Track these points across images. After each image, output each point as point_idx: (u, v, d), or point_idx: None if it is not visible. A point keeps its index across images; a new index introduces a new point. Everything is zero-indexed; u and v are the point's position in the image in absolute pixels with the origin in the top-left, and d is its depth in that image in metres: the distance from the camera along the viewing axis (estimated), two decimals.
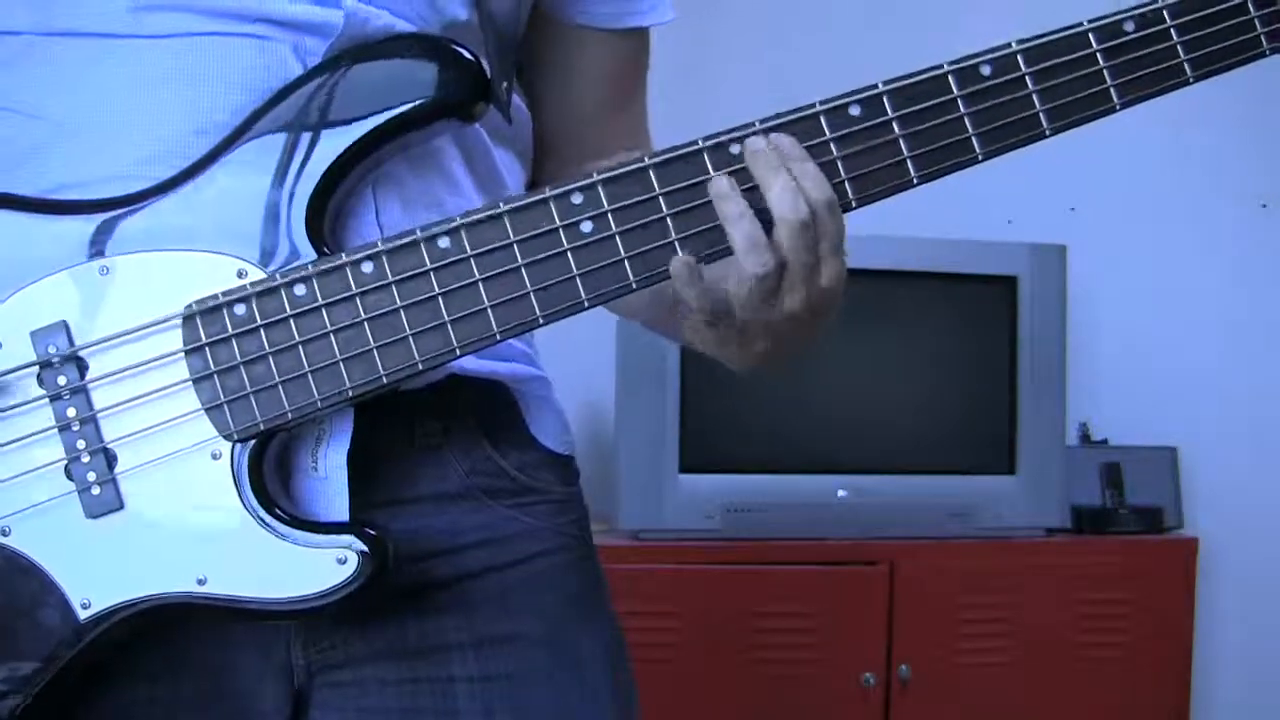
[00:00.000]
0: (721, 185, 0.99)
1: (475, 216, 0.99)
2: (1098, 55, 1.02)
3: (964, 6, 3.24)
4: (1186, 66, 1.03)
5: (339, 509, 1.02)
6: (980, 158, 1.03)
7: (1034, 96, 1.02)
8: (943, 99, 1.01)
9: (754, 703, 2.77)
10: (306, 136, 1.00)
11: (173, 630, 1.03)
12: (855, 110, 1.01)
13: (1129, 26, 1.02)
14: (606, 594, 1.21)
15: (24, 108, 1.04)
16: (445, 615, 1.10)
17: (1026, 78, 1.01)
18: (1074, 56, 1.02)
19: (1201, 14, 1.02)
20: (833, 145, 1.01)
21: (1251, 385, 3.40)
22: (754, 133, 1.00)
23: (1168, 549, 3.04)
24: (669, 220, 1.00)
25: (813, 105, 1.01)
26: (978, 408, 2.99)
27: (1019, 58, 1.02)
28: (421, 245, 0.99)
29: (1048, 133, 1.03)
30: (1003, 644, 2.88)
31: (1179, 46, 1.02)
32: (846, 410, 2.95)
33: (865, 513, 2.87)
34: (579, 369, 2.64)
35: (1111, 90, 1.03)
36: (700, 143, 1.01)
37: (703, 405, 2.84)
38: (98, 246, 1.00)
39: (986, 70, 1.01)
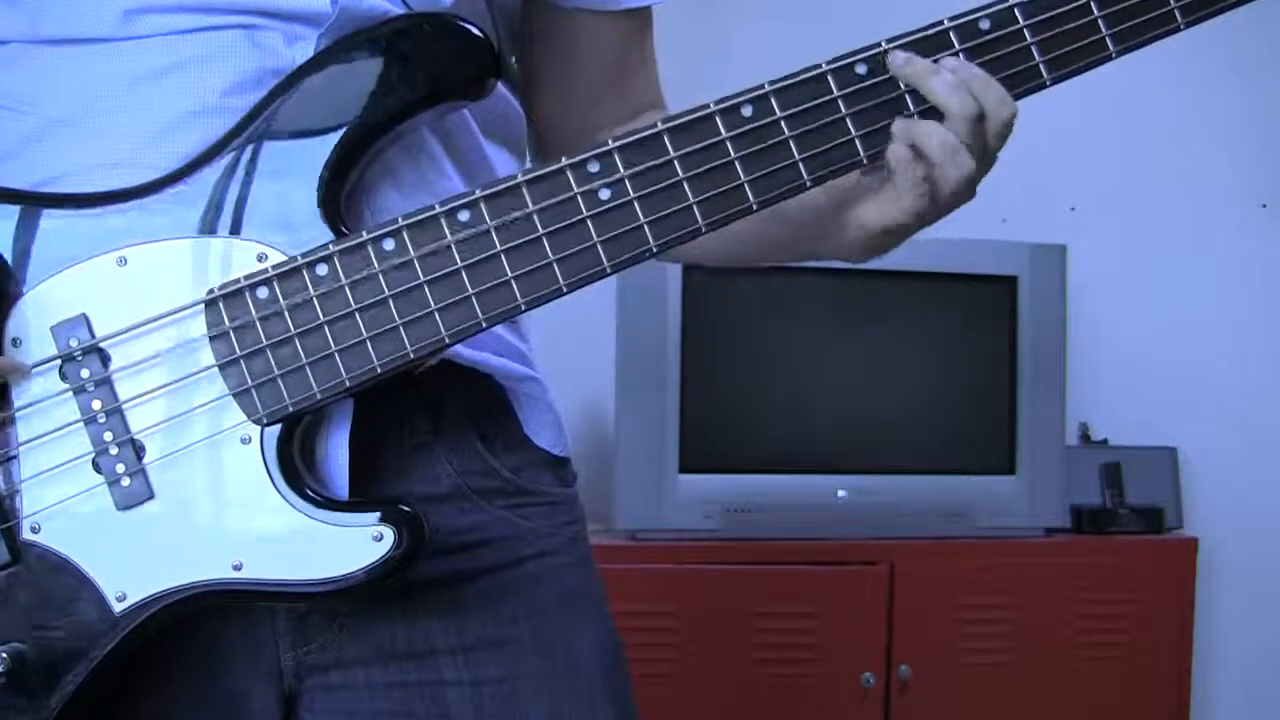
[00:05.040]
0: (900, 55, 1.02)
1: (494, 188, 1.00)
2: (1092, 5, 1.03)
3: None
4: (1178, 13, 1.04)
5: (340, 492, 1.02)
6: None
7: (1033, 48, 1.03)
8: (946, 55, 1.03)
9: (754, 703, 2.77)
10: (318, 122, 0.99)
11: (171, 630, 1.02)
12: (862, 69, 1.02)
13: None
14: (603, 596, 1.20)
15: (11, 103, 1.04)
16: (435, 617, 1.10)
17: (1024, 30, 1.03)
18: (1069, 8, 1.03)
19: None
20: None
21: (1251, 385, 3.40)
22: (757, 95, 1.02)
23: (1168, 549, 3.03)
24: (685, 184, 1.01)
25: (819, 65, 1.03)
26: (978, 408, 2.99)
27: (1016, 11, 1.03)
28: (441, 219, 0.99)
29: (1048, 83, 1.04)
30: (1003, 644, 2.88)
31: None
32: (846, 410, 2.95)
33: (865, 513, 2.87)
34: (579, 369, 2.64)
35: (1107, 39, 1.03)
36: (712, 106, 1.01)
37: (703, 405, 2.83)
38: (113, 237, 0.99)
39: (985, 25, 1.03)
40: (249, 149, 1.00)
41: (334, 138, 0.99)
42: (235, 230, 0.99)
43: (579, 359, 2.73)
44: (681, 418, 2.81)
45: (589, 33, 1.23)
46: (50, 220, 1.00)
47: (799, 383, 2.92)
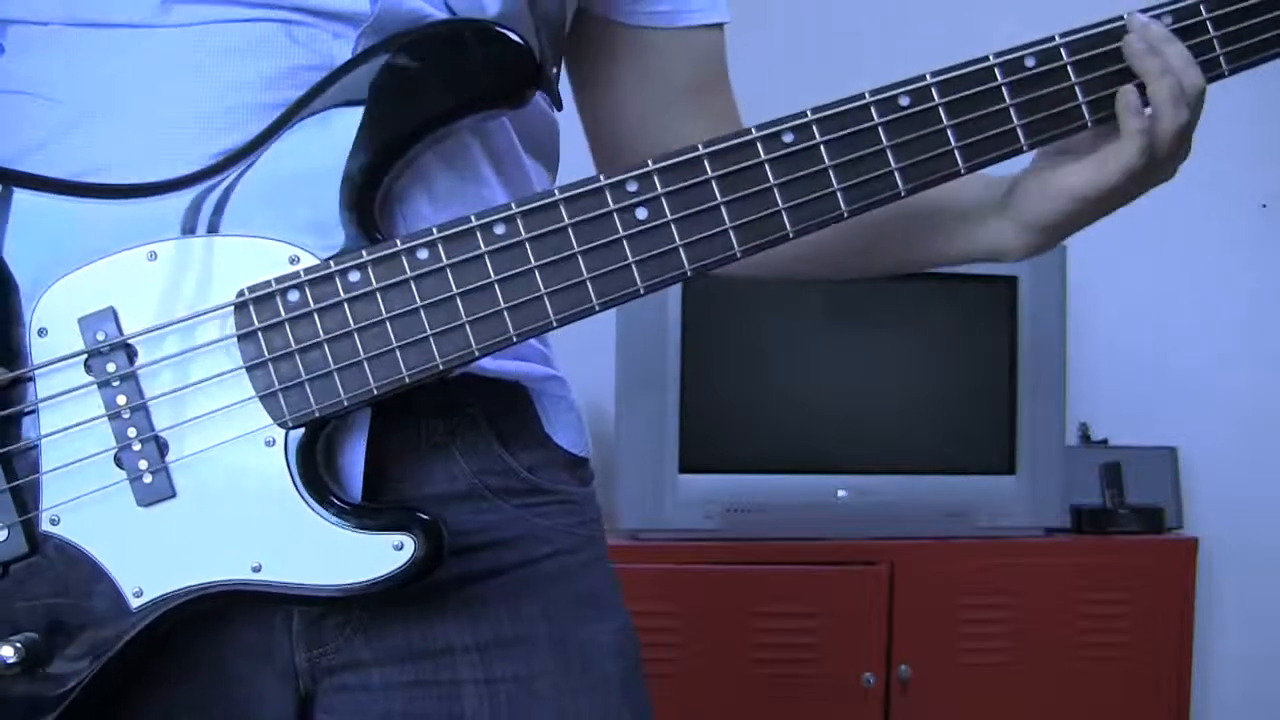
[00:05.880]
0: (1137, 42, 1.06)
1: (531, 204, 0.99)
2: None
3: (981, 7, 3.25)
4: (1223, 60, 1.09)
5: (357, 495, 1.02)
6: (1025, 148, 1.07)
7: (1076, 89, 1.06)
8: (989, 87, 1.05)
9: (754, 703, 2.77)
10: (355, 123, 0.99)
11: (179, 632, 1.02)
12: (905, 100, 1.03)
13: (1168, 19, 1.08)
14: (619, 595, 1.20)
15: (45, 92, 1.03)
16: (451, 617, 1.09)
17: (1069, 68, 1.06)
18: (1110, 49, 1.07)
19: (1237, 7, 1.09)
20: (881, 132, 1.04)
21: (1251, 385, 3.41)
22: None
23: (1168, 549, 3.04)
24: (723, 208, 1.01)
25: (862, 95, 1.04)
26: (978, 408, 2.99)
27: (1062, 50, 1.06)
28: (477, 232, 0.99)
29: (1090, 124, 1.08)
30: (1003, 644, 2.89)
31: (1215, 40, 1.08)
32: (846, 410, 2.95)
33: (865, 513, 2.87)
34: (579, 369, 2.62)
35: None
36: (754, 131, 1.02)
37: (703, 405, 2.83)
38: (146, 231, 0.99)
39: (1030, 62, 1.05)
40: (284, 148, 0.99)
41: (372, 144, 0.99)
42: (265, 232, 0.99)
43: (579, 359, 2.71)
44: (681, 418, 2.81)
45: (653, 52, 1.25)
46: (83, 210, 0.99)
47: (799, 383, 2.92)
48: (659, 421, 2.80)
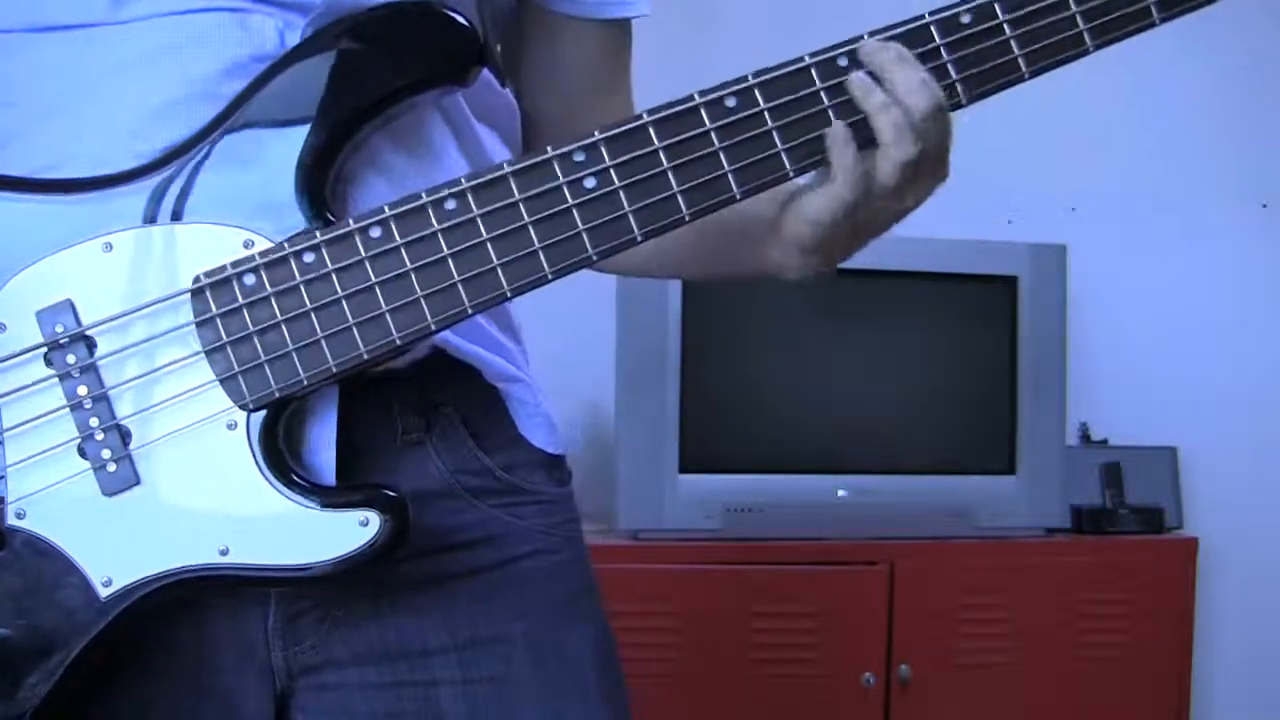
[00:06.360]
0: (862, 78, 1.02)
1: (480, 179, 1.00)
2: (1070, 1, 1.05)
3: None
4: (1153, 8, 1.05)
5: (325, 480, 1.02)
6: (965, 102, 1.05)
7: (1012, 42, 1.04)
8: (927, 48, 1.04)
9: (754, 703, 2.77)
10: (305, 107, 1.00)
11: (155, 630, 1.02)
12: (844, 61, 1.03)
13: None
14: (597, 595, 1.20)
15: (4, 98, 1.04)
16: (427, 617, 1.10)
17: (1004, 25, 1.04)
18: (1049, 2, 1.05)
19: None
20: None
21: (1251, 385, 3.40)
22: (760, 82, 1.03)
23: (1168, 549, 3.03)
24: (670, 174, 1.02)
25: (801, 58, 1.03)
26: (978, 408, 2.98)
27: (996, 6, 1.04)
28: (429, 208, 1.00)
29: (1026, 76, 1.05)
30: (1003, 644, 2.88)
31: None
32: (846, 410, 2.95)
33: (865, 513, 2.86)
34: (579, 369, 2.64)
35: (1084, 34, 1.05)
36: (696, 97, 1.02)
37: (703, 405, 2.83)
38: (99, 224, 0.99)
39: (966, 19, 1.04)
40: (234, 135, 1.00)
41: (318, 124, 0.99)
42: (218, 218, 0.99)
43: (579, 359, 2.74)
44: (681, 418, 2.81)
45: (575, 39, 1.25)
46: (38, 206, 1.00)
47: (799, 383, 2.92)
48: (659, 421, 2.80)
